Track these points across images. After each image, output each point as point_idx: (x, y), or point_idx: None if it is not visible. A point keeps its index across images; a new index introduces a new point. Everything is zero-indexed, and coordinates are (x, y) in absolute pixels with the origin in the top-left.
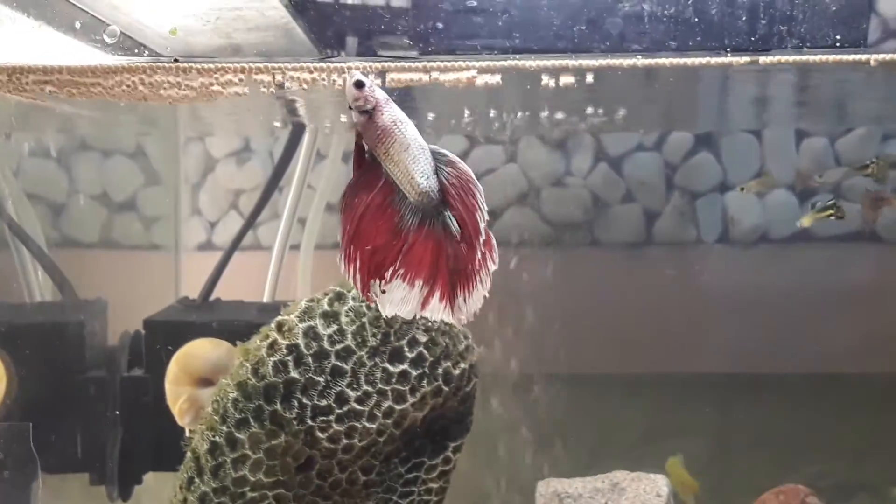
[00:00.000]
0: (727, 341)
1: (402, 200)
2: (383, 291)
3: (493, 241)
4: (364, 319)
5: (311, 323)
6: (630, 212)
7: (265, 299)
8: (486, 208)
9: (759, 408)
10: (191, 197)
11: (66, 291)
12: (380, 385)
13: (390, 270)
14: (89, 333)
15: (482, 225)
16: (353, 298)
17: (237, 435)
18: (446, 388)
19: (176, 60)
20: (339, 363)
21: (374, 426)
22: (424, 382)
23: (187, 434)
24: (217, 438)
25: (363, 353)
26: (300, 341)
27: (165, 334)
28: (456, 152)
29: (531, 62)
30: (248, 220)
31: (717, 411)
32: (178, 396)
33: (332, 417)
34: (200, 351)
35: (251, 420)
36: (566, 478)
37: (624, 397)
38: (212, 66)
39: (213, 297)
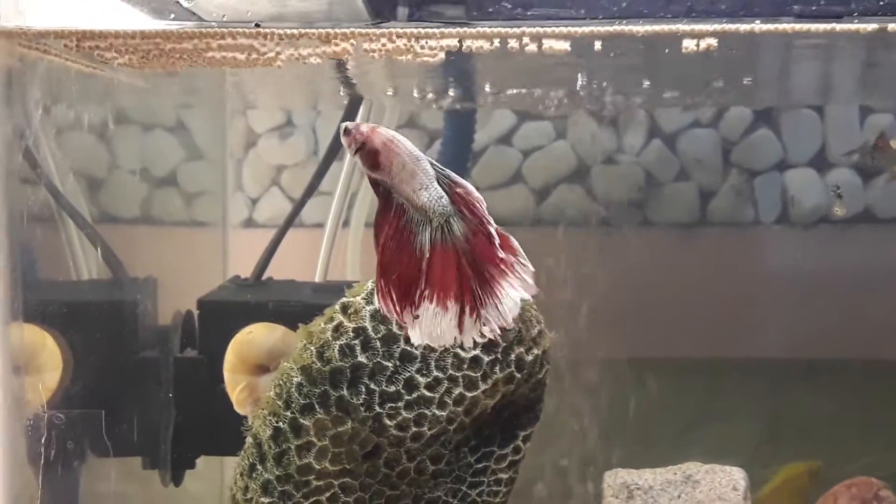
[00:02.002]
0: (784, 325)
1: (415, 221)
2: (416, 317)
3: (516, 244)
4: None
5: None
6: (684, 190)
7: (317, 279)
8: (491, 218)
9: (814, 394)
10: (235, 172)
11: (116, 269)
12: (451, 371)
13: (417, 294)
14: (142, 313)
15: (492, 228)
16: None
17: (302, 421)
18: (518, 375)
19: (257, 25)
20: (408, 348)
21: (444, 414)
22: (497, 369)
23: (250, 420)
24: (281, 424)
25: None
26: (367, 324)
27: (220, 314)
28: (505, 128)
29: (641, 27)
30: (304, 195)
31: (771, 397)
32: (236, 384)
33: (400, 404)
34: (255, 337)
35: (316, 406)
36: (633, 468)
37: (674, 382)
38: (294, 31)
39: (265, 277)
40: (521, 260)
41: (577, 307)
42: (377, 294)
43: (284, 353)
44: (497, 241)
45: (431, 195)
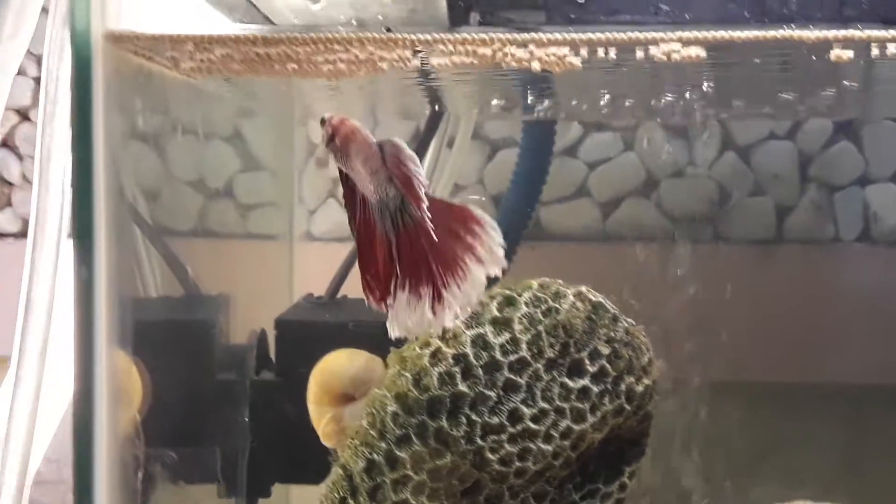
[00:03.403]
0: (865, 349)
1: (376, 209)
2: (392, 308)
3: (480, 214)
4: (540, 328)
5: (480, 330)
6: (760, 206)
7: None
8: (422, 178)
9: None
10: (297, 184)
11: (191, 286)
12: (557, 402)
13: (390, 285)
14: (218, 333)
15: (421, 192)
16: (526, 304)
17: (398, 453)
18: (628, 407)
19: (388, 30)
20: (512, 376)
21: (550, 448)
22: (606, 400)
23: (338, 451)
24: (375, 456)
25: (539, 365)
26: (468, 350)
27: (300, 335)
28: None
29: (809, 33)
30: None
31: (850, 425)
32: (321, 416)
33: (504, 437)
34: (338, 366)
35: (413, 437)
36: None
37: (747, 407)
38: (428, 37)
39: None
40: (488, 230)
41: (643, 327)
42: (363, 289)
43: (369, 381)
44: (423, 203)
45: (381, 180)
